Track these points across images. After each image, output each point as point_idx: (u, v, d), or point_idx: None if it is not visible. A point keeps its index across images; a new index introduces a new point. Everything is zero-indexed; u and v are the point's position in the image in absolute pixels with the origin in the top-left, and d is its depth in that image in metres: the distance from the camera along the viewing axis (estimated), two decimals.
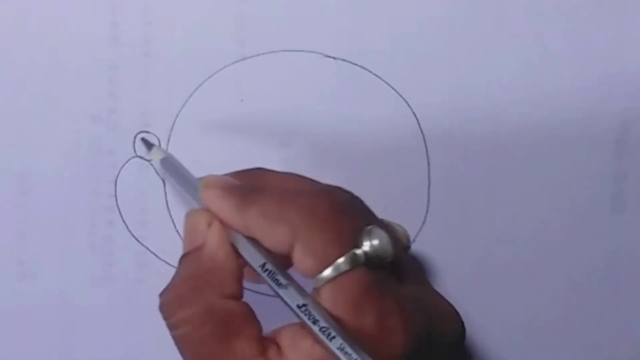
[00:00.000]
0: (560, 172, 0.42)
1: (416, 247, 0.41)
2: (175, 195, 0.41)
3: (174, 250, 0.39)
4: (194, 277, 0.33)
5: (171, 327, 0.33)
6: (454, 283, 0.41)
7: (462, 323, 0.35)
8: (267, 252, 0.33)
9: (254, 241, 0.33)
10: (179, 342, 0.32)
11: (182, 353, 0.33)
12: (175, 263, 0.41)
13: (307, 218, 0.31)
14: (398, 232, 0.37)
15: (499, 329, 0.42)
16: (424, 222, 0.41)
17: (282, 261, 0.32)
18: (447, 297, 0.37)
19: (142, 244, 0.41)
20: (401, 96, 0.41)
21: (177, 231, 0.41)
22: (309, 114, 0.41)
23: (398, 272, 0.33)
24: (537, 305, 0.42)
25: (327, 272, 0.31)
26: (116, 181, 0.41)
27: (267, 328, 0.33)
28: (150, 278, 0.41)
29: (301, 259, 0.31)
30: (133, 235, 0.41)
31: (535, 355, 0.42)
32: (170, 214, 0.41)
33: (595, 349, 0.42)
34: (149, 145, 0.40)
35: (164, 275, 0.41)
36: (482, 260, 0.42)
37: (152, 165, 0.41)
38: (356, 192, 0.34)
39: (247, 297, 0.33)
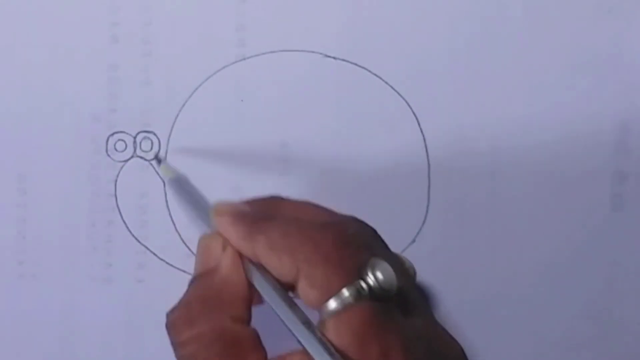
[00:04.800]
0: (560, 172, 0.42)
1: (416, 247, 0.41)
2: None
3: (174, 250, 0.39)
4: (205, 298, 0.33)
5: (178, 346, 0.33)
6: (454, 283, 0.41)
7: (466, 357, 0.35)
8: (277, 281, 0.33)
9: (266, 272, 0.33)
10: None
11: None
12: (175, 263, 0.41)
13: (310, 251, 0.32)
14: (405, 263, 0.37)
15: (499, 328, 0.42)
16: (424, 222, 0.41)
17: (292, 289, 0.33)
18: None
19: (142, 244, 0.41)
20: (401, 96, 0.41)
21: (177, 231, 0.41)
22: (309, 114, 0.41)
23: (403, 304, 0.33)
24: (536, 304, 0.42)
25: (332, 305, 0.31)
26: (116, 181, 0.41)
27: (272, 352, 0.33)
28: (150, 278, 0.41)
29: (305, 291, 0.31)
30: (133, 235, 0.41)
31: (535, 355, 0.42)
32: (170, 214, 0.41)
33: (595, 348, 0.42)
34: (159, 161, 0.40)
35: (164, 275, 0.41)
36: (482, 260, 0.42)
37: (151, 165, 0.41)
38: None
39: (254, 321, 0.34)
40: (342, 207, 0.36)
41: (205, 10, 0.41)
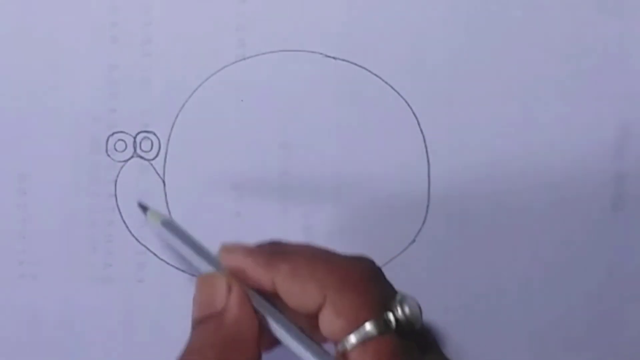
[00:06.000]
0: (560, 173, 0.42)
1: (416, 247, 0.41)
2: (175, 196, 0.41)
3: (174, 250, 0.39)
4: (218, 344, 0.32)
5: None
6: (454, 283, 0.41)
7: None
8: (291, 315, 0.33)
9: (279, 310, 0.33)
10: None
11: None
12: (175, 263, 0.41)
13: (340, 279, 0.32)
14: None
15: (499, 327, 0.42)
16: (424, 222, 0.41)
17: (305, 323, 0.32)
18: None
19: (142, 244, 0.41)
20: (401, 96, 0.41)
21: None
22: (309, 114, 0.41)
23: (422, 342, 0.33)
24: (536, 303, 0.42)
25: (356, 336, 0.31)
26: (116, 181, 0.41)
27: None
28: (150, 278, 0.41)
29: (330, 320, 0.31)
30: (133, 235, 0.41)
31: (535, 355, 0.42)
32: (170, 214, 0.41)
33: (595, 348, 0.42)
34: (144, 209, 0.40)
35: (164, 275, 0.41)
36: (482, 260, 0.42)
37: (151, 165, 0.41)
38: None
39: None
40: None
41: (205, 10, 0.41)
